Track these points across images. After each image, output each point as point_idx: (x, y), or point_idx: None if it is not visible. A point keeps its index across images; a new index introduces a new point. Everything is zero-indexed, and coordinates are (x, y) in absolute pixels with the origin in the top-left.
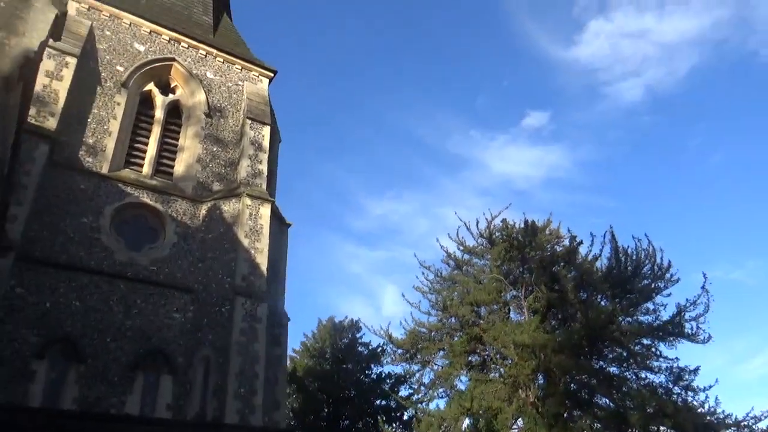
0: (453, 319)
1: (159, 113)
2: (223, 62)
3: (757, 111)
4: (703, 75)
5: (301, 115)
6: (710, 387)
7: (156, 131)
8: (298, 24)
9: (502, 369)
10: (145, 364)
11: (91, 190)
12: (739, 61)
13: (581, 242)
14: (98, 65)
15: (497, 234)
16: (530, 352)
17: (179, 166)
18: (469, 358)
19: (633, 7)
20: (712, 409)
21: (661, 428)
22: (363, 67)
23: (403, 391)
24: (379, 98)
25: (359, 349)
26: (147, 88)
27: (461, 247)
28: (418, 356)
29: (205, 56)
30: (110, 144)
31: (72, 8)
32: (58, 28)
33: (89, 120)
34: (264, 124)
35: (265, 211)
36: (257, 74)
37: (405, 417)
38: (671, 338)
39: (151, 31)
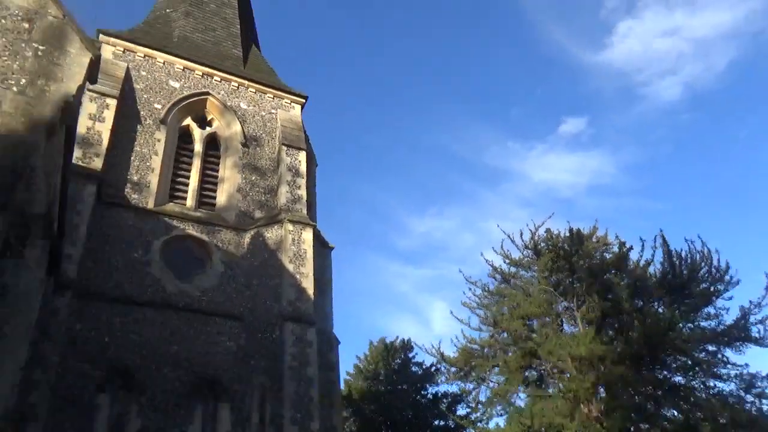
0: (505, 334)
1: (198, 146)
2: (255, 92)
3: None
4: (742, 68)
5: (336, 138)
6: None
7: (196, 164)
8: (326, 47)
9: (560, 384)
10: (202, 393)
11: (139, 226)
12: None
13: (631, 248)
14: (137, 104)
15: (542, 244)
16: (588, 364)
17: (221, 197)
18: (525, 374)
19: (662, 5)
20: None
21: None
22: (394, 87)
23: (461, 411)
24: (412, 117)
25: (413, 369)
26: (185, 122)
27: (507, 260)
28: (473, 374)
29: (238, 88)
30: (154, 179)
31: (108, 52)
32: (93, 71)
33: (132, 158)
34: (299, 149)
35: (308, 235)
36: (289, 101)
37: None
38: (737, 343)
39: (184, 68)
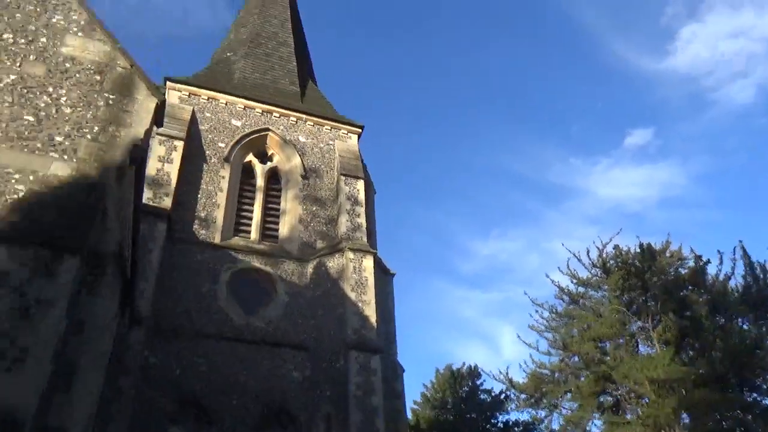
0: (576, 358)
1: (260, 181)
2: (313, 125)
3: None
4: None
5: (395, 165)
6: None
7: (259, 198)
8: (380, 75)
9: (639, 409)
10: (270, 423)
11: (207, 260)
12: None
13: (708, 262)
14: (203, 144)
15: (611, 262)
16: (668, 388)
17: (283, 229)
18: (600, 399)
19: (727, 6)
20: None
21: None
22: (450, 110)
23: None
24: (471, 139)
25: (481, 396)
26: (247, 159)
27: (574, 280)
28: (544, 400)
29: (296, 122)
30: (219, 215)
31: (174, 97)
32: (159, 115)
33: (199, 195)
34: (357, 178)
35: (368, 263)
36: (346, 132)
37: None
38: None
39: (245, 107)
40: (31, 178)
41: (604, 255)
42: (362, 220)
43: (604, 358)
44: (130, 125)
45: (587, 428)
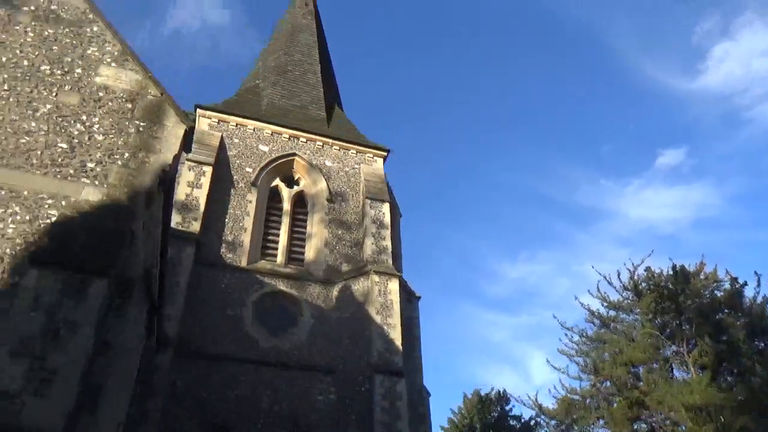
0: (608, 383)
1: (286, 205)
2: (339, 149)
3: None
4: None
5: (422, 187)
6: None
7: (285, 222)
8: (408, 98)
9: None
10: None
11: (234, 284)
12: None
13: (745, 284)
14: (231, 169)
15: (643, 284)
16: (705, 415)
17: (309, 252)
18: (634, 426)
19: (760, 23)
20: None
21: None
22: (479, 132)
23: None
24: (498, 162)
25: (510, 423)
26: (274, 183)
27: (605, 303)
28: (575, 427)
29: (322, 146)
30: (246, 239)
31: (204, 124)
32: (187, 141)
33: (227, 219)
34: (383, 201)
35: (394, 285)
36: (371, 155)
37: None
38: None
39: (272, 132)
40: (63, 203)
41: (636, 277)
42: (387, 243)
43: (638, 383)
44: (159, 151)
45: None
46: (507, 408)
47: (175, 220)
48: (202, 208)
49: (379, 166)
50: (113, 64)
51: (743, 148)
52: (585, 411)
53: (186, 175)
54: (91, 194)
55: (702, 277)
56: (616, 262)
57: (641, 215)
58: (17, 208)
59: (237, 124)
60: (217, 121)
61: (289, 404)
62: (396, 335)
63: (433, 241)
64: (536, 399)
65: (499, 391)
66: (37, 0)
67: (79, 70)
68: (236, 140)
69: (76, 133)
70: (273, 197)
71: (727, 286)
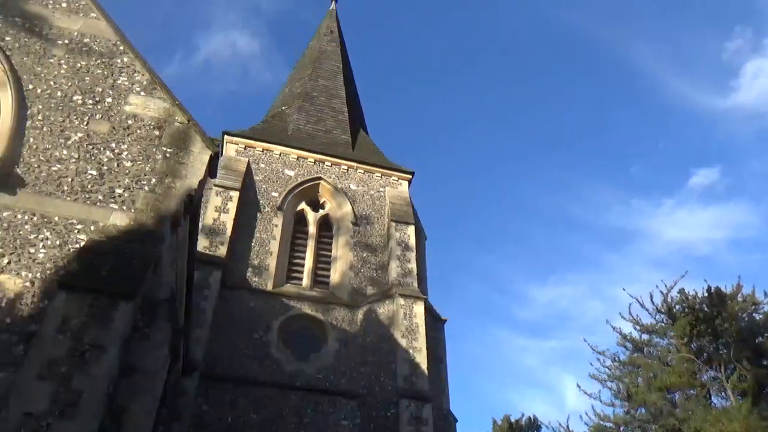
0: (642, 409)
1: (312, 228)
2: (363, 173)
3: None
4: None
5: (448, 209)
6: None
7: (311, 245)
8: (434, 122)
9: None
10: None
11: (259, 307)
12: None
13: None
14: (257, 194)
15: (677, 307)
16: None
17: (334, 276)
18: None
19: None
20: None
21: None
22: (506, 153)
23: None
24: (526, 183)
25: None
26: (299, 207)
27: (637, 327)
28: None
29: (347, 170)
30: (272, 263)
31: (231, 150)
32: (213, 166)
33: (253, 243)
34: (408, 224)
35: (419, 309)
36: (396, 178)
37: None
38: None
39: (298, 157)
40: (92, 228)
41: (669, 300)
42: (413, 265)
43: (674, 410)
44: (185, 176)
45: None
46: None
47: (203, 244)
48: (228, 232)
49: (404, 188)
50: (142, 93)
51: None
52: None
53: (213, 200)
54: (118, 219)
55: (739, 299)
56: (649, 285)
57: (675, 236)
58: (48, 234)
59: (263, 150)
60: (243, 147)
61: (315, 428)
62: (422, 359)
63: (461, 264)
64: (568, 426)
65: (530, 418)
66: (71, 33)
67: (109, 100)
68: (262, 165)
69: (105, 160)
70: (299, 221)
71: (766, 308)
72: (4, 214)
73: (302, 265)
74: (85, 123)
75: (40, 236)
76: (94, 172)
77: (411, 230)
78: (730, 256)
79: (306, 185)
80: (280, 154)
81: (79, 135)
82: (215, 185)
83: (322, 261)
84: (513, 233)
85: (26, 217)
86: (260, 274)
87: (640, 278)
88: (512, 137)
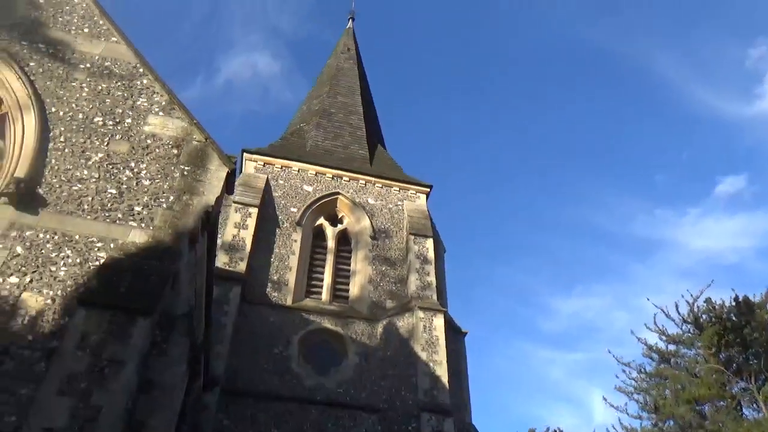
0: (670, 422)
1: (331, 243)
2: (381, 187)
3: None
4: None
5: (469, 221)
6: None
7: (330, 260)
8: (452, 135)
9: None
10: None
11: (279, 322)
12: None
13: None
14: (276, 210)
15: (704, 317)
16: None
17: (353, 289)
18: None
19: None
20: None
21: None
22: (528, 164)
23: None
24: (549, 194)
25: None
26: (318, 222)
27: (663, 337)
28: None
29: (365, 185)
30: (291, 278)
31: (251, 167)
32: (230, 183)
33: (272, 258)
34: (426, 237)
35: (439, 321)
36: (414, 192)
37: None
38: None
39: (316, 173)
40: (112, 245)
41: (696, 309)
42: (432, 278)
43: (703, 422)
44: (203, 193)
45: None
46: None
47: (223, 260)
48: (248, 248)
49: (422, 202)
50: (161, 113)
51: None
52: None
53: (233, 216)
54: (137, 236)
55: None
56: (676, 295)
57: (702, 245)
58: (69, 252)
59: (282, 166)
60: (262, 164)
61: None
62: (442, 372)
63: (481, 276)
64: None
65: (555, 431)
66: (92, 57)
67: (129, 120)
68: (281, 181)
69: (124, 179)
70: (317, 236)
71: None
72: (27, 233)
73: (321, 280)
74: (106, 143)
75: (62, 254)
76: (114, 191)
77: (430, 243)
78: (759, 264)
79: (324, 200)
80: (298, 170)
81: (100, 155)
82: (234, 202)
83: (341, 275)
84: (534, 245)
85: (48, 236)
86: (280, 289)
87: (667, 289)
88: (532, 150)
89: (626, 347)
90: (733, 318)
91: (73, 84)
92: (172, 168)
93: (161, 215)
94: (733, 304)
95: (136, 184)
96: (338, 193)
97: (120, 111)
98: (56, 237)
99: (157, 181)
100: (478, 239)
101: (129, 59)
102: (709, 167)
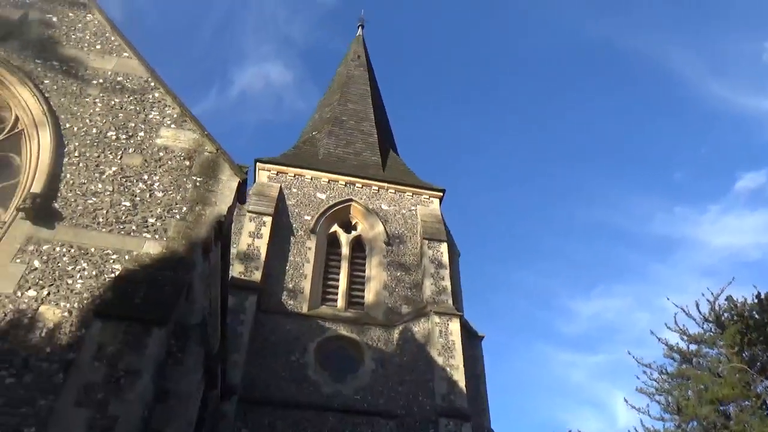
0: (694, 423)
1: (345, 250)
2: (394, 193)
3: None
4: None
5: (484, 225)
6: None
7: (344, 266)
8: (464, 139)
9: None
10: None
11: (295, 330)
12: None
13: None
14: (290, 218)
15: (725, 315)
16: None
17: (369, 296)
18: None
19: None
20: None
21: None
22: (543, 165)
23: None
24: (565, 195)
25: None
26: (332, 229)
27: (684, 337)
28: None
29: (378, 191)
30: (307, 285)
31: (263, 176)
32: (241, 192)
33: (287, 267)
34: (440, 241)
35: (455, 326)
36: (428, 196)
37: None
38: None
39: (329, 180)
40: (126, 257)
41: (716, 308)
42: (447, 283)
43: (728, 422)
44: (215, 203)
45: None
46: None
47: (238, 269)
48: (263, 257)
49: (435, 206)
50: (173, 126)
51: None
52: None
53: (247, 226)
54: (151, 248)
55: None
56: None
57: (724, 242)
58: (85, 264)
59: (295, 175)
60: (275, 173)
61: None
62: (459, 376)
63: (499, 280)
64: None
65: None
66: (105, 73)
67: (141, 134)
68: (294, 190)
69: (138, 191)
70: (332, 243)
71: None
72: (44, 247)
73: (336, 287)
74: (119, 157)
75: (78, 267)
76: (128, 204)
77: (444, 247)
78: None
79: (338, 207)
80: (311, 178)
81: (113, 169)
82: (248, 211)
83: (356, 282)
84: (551, 247)
85: (64, 249)
86: (295, 297)
87: (689, 288)
88: (546, 151)
89: (649, 348)
90: (756, 315)
91: (87, 100)
92: (185, 179)
93: (174, 226)
94: (755, 301)
95: (150, 196)
96: (351, 200)
97: (132, 125)
98: (72, 250)
99: (170, 192)
100: (492, 243)
101: (140, 73)
102: (729, 163)
